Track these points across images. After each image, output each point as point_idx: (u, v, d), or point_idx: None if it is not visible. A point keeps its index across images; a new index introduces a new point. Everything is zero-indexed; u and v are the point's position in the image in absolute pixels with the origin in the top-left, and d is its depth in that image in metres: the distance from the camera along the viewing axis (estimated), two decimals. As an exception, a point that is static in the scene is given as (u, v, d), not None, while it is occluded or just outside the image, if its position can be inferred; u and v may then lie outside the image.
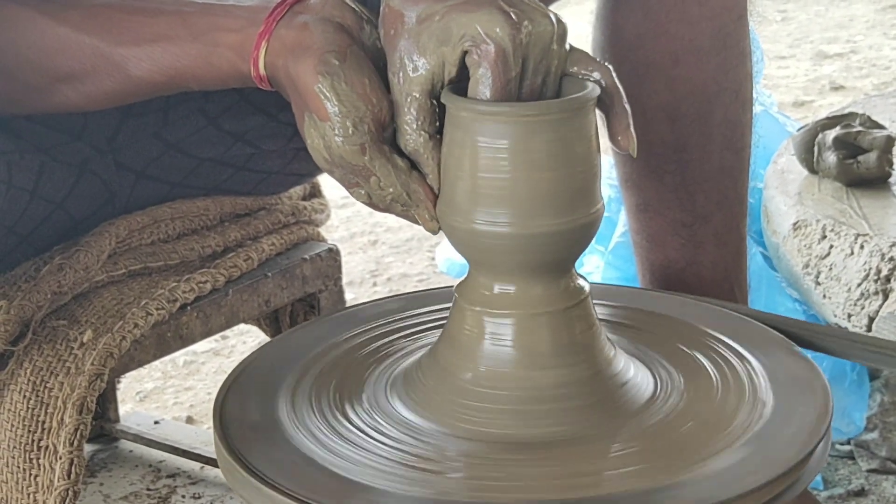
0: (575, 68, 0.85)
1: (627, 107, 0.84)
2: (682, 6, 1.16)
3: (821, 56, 4.12)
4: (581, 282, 0.87)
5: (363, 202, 0.87)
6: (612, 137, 0.85)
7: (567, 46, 0.84)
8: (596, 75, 0.84)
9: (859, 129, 1.67)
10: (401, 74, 0.83)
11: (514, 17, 0.80)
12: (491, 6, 0.80)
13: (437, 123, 0.84)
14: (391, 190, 0.84)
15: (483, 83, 0.80)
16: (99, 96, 0.98)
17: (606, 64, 0.85)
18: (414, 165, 0.85)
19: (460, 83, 0.83)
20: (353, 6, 0.88)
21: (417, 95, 0.83)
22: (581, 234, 0.84)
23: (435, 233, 0.87)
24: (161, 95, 0.99)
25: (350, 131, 0.83)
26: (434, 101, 0.84)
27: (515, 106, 0.81)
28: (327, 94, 0.83)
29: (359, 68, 0.84)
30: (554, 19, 0.82)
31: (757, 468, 0.79)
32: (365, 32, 0.87)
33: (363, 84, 0.83)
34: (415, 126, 0.84)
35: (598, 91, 0.83)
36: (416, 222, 0.87)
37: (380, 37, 0.86)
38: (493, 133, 0.81)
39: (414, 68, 0.83)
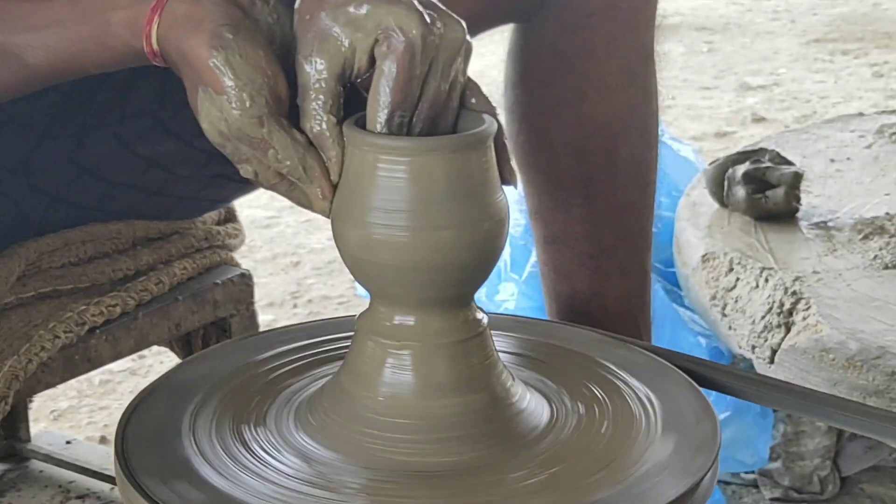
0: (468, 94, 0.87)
1: (507, 143, 0.86)
2: (591, 45, 1.19)
3: (744, 88, 4.19)
4: (480, 314, 0.89)
5: (250, 178, 0.87)
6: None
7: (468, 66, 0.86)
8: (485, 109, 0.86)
9: (768, 164, 1.71)
10: (312, 58, 0.84)
11: (428, 18, 0.82)
12: (409, 4, 0.82)
13: (342, 113, 0.85)
14: (288, 163, 0.84)
15: (387, 76, 0.82)
16: (0, 89, 0.96)
17: (490, 101, 0.87)
18: (311, 143, 0.85)
19: (361, 116, 0.85)
20: None
21: (327, 78, 0.84)
22: (481, 245, 0.84)
23: (326, 214, 0.86)
24: (65, 80, 0.97)
25: (247, 104, 0.83)
26: (342, 88, 0.85)
27: (415, 140, 0.83)
28: (222, 68, 0.83)
29: (253, 41, 0.84)
30: (465, 32, 0.84)
31: (646, 498, 0.81)
32: (256, 7, 0.87)
33: (258, 56, 0.83)
34: (322, 110, 0.84)
35: (496, 126, 0.85)
36: (302, 202, 0.87)
37: (293, 21, 0.86)
38: (392, 164, 0.83)
39: (326, 52, 0.83)
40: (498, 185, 0.86)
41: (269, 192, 0.89)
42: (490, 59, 0.88)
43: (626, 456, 0.86)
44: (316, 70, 0.84)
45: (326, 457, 0.86)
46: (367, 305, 0.90)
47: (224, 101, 0.83)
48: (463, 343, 0.87)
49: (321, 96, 0.84)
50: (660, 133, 1.25)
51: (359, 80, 0.85)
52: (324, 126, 0.84)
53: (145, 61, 0.89)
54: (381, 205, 0.83)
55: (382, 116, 0.83)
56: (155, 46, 0.87)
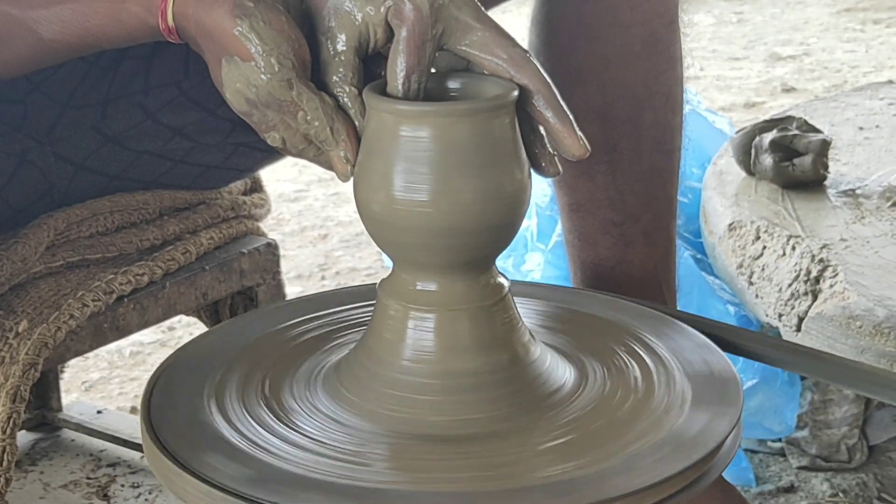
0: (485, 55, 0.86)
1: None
2: (614, 12, 1.18)
3: (774, 58, 4.17)
4: (501, 279, 0.90)
5: (277, 146, 0.88)
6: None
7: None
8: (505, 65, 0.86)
9: (795, 132, 1.70)
10: (329, 33, 0.85)
11: None
12: None
13: (363, 84, 0.86)
14: (316, 124, 0.85)
15: (401, 42, 0.83)
16: (15, 62, 0.98)
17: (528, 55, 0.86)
18: (339, 105, 0.86)
19: (380, 83, 0.86)
20: None
21: (345, 51, 0.85)
22: (503, 209, 0.84)
23: (347, 177, 0.87)
24: (77, 56, 0.99)
25: (276, 68, 0.84)
26: (360, 60, 0.86)
27: (436, 105, 0.83)
28: (248, 35, 0.84)
29: (273, 8, 0.85)
30: None
31: (668, 461, 0.81)
32: None
33: (281, 22, 0.84)
34: (343, 82, 0.86)
35: (517, 91, 0.85)
36: (329, 166, 0.88)
37: None
38: (413, 128, 0.83)
39: (341, 26, 0.85)
40: (520, 149, 0.86)
41: (297, 166, 0.90)
42: (515, 31, 0.88)
43: (648, 419, 0.86)
44: (333, 44, 0.85)
45: (351, 421, 0.86)
46: (392, 276, 0.90)
47: (251, 67, 0.84)
48: (486, 308, 0.88)
49: (341, 69, 0.85)
50: (696, 104, 1.24)
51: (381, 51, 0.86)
52: (345, 99, 0.86)
53: (160, 38, 0.90)
54: (402, 169, 0.83)
55: (399, 80, 0.84)
56: (171, 23, 0.88)
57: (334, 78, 0.86)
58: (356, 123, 0.86)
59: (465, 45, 0.86)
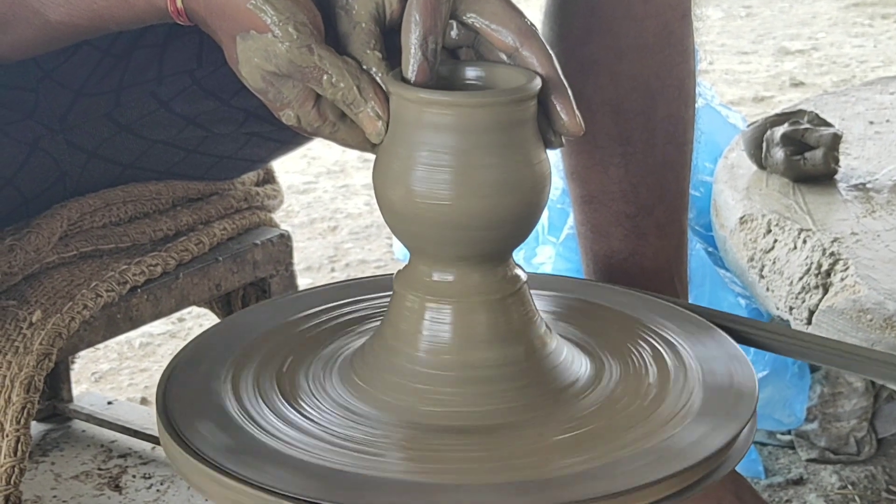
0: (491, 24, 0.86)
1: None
2: (628, 4, 1.18)
3: (783, 52, 4.16)
4: (518, 271, 0.90)
5: (292, 125, 0.87)
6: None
7: None
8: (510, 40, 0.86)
9: (807, 126, 1.70)
10: (346, 7, 0.85)
11: None
12: None
13: (385, 52, 0.86)
14: (342, 85, 0.84)
15: (416, 3, 0.82)
16: (22, 45, 0.97)
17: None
18: (361, 66, 0.85)
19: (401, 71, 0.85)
20: None
21: (365, 20, 0.85)
22: (524, 203, 0.84)
23: (380, 136, 0.86)
24: (84, 39, 0.97)
25: (294, 35, 0.83)
26: (380, 29, 0.86)
27: (459, 94, 0.83)
28: (261, 6, 0.83)
29: None
30: None
31: (684, 453, 0.81)
32: None
33: None
34: (368, 49, 0.85)
35: (539, 82, 0.85)
36: (347, 142, 0.87)
37: None
38: (436, 118, 0.82)
39: None
40: (541, 142, 0.86)
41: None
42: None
43: (663, 411, 0.86)
44: (351, 16, 0.85)
45: (366, 411, 0.86)
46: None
47: (269, 38, 0.83)
48: (502, 299, 0.88)
49: (362, 36, 0.85)
50: (709, 98, 1.24)
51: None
52: (369, 62, 0.85)
53: (168, 20, 0.90)
54: (424, 160, 0.83)
55: (414, 42, 0.83)
56: (179, 4, 0.88)
57: (355, 47, 0.85)
58: (382, 87, 0.85)
59: (475, 11, 0.85)
